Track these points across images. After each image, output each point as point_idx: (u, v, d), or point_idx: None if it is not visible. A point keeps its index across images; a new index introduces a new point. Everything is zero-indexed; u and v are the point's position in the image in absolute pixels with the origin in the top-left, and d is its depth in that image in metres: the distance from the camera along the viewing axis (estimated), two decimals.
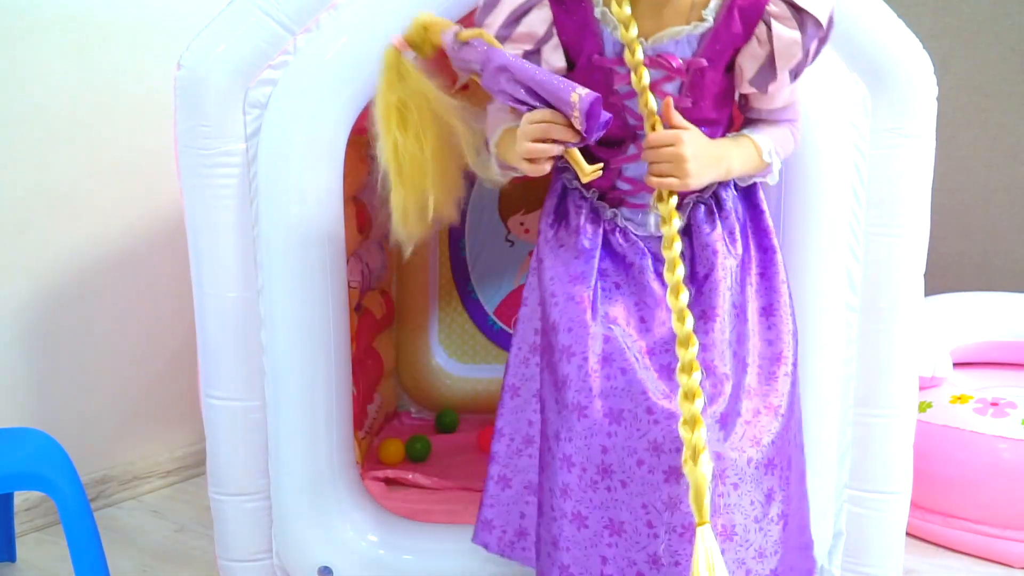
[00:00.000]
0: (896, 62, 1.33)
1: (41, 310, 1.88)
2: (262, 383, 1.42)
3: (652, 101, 1.06)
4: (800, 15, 1.05)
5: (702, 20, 1.07)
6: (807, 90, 1.24)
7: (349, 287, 1.67)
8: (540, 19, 1.09)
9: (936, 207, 1.40)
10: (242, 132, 1.36)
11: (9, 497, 1.69)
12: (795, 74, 1.11)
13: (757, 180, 1.20)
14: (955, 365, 1.99)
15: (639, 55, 1.05)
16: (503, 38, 1.09)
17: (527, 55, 1.10)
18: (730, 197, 1.20)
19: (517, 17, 1.09)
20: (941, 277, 1.59)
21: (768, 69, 1.08)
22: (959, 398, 1.79)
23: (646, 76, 1.05)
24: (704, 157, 1.08)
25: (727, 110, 1.18)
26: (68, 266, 1.91)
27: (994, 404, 1.76)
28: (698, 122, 1.11)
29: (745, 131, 1.18)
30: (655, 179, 1.08)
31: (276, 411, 1.42)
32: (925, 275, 1.40)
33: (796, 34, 1.05)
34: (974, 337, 2.04)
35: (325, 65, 1.34)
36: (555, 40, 1.09)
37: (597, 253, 1.17)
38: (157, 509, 2.02)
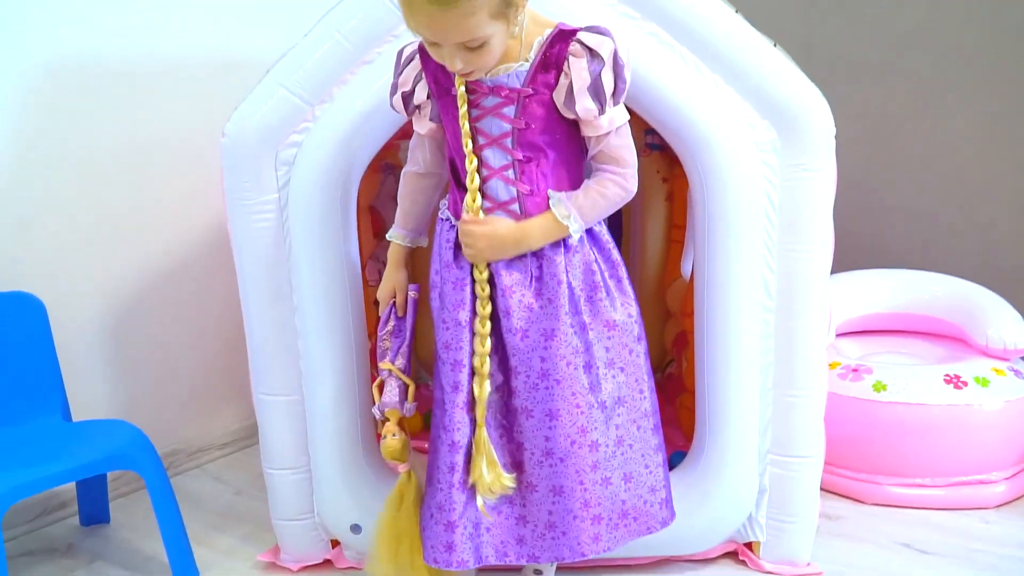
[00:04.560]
0: (798, 109, 1.59)
1: (113, 316, 2.17)
2: (300, 381, 1.75)
3: (470, 143, 1.39)
4: (591, 53, 1.34)
5: (527, 60, 1.37)
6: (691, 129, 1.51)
7: (368, 285, 1.96)
8: (414, 67, 1.44)
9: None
10: (275, 185, 1.67)
11: (103, 474, 2.04)
12: (596, 97, 1.34)
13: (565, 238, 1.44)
14: (848, 334, 2.32)
15: (464, 108, 1.38)
16: (397, 77, 1.46)
17: (410, 90, 1.45)
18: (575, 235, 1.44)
19: (402, 68, 1.45)
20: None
21: (571, 92, 1.35)
22: (831, 365, 2.10)
23: (468, 128, 1.39)
24: (498, 244, 1.41)
25: (558, 134, 1.40)
26: (131, 278, 2.20)
27: (855, 370, 2.07)
28: (531, 143, 1.39)
29: (552, 198, 1.42)
30: (464, 249, 1.43)
31: (312, 404, 1.74)
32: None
33: (584, 62, 1.34)
34: (861, 310, 2.35)
35: (337, 128, 1.64)
36: (423, 81, 1.44)
37: (468, 280, 1.46)
38: (218, 476, 2.34)
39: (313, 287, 1.69)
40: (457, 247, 1.47)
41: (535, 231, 1.42)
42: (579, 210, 1.42)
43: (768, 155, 1.62)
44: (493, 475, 1.45)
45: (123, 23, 2.09)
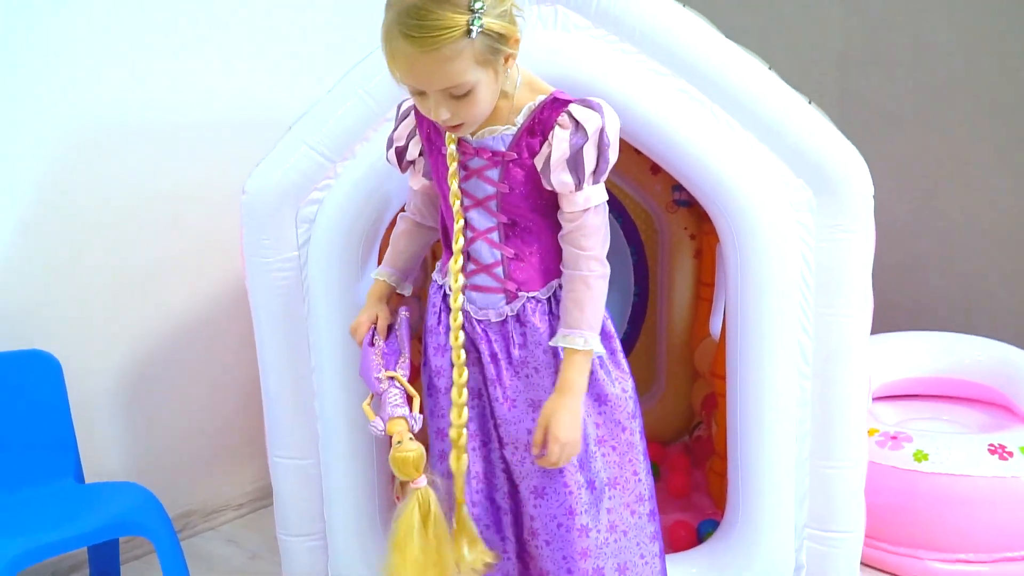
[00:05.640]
0: (835, 169, 1.55)
1: (130, 373, 2.15)
2: (317, 444, 1.70)
3: (458, 203, 1.35)
4: (576, 126, 1.27)
5: (513, 124, 1.31)
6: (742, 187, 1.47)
7: None
8: (408, 123, 1.42)
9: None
10: (295, 243, 1.64)
11: (115, 538, 1.99)
12: (574, 171, 1.27)
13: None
14: (885, 398, 2.24)
15: (453, 167, 1.34)
16: (393, 131, 1.44)
17: (404, 146, 1.43)
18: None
19: (399, 122, 1.43)
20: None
21: (548, 162, 1.28)
22: (869, 431, 2.00)
23: (457, 180, 1.34)
24: (571, 427, 1.31)
25: (542, 201, 1.33)
26: (149, 335, 2.18)
27: (893, 438, 1.98)
28: (515, 207, 1.33)
29: (559, 341, 1.33)
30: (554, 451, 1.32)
31: (328, 467, 1.70)
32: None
33: (568, 133, 1.27)
34: (899, 373, 2.27)
35: (357, 186, 1.61)
36: (417, 137, 1.41)
37: (449, 347, 1.38)
38: (232, 538, 2.29)
39: (332, 347, 1.65)
40: (443, 312, 1.42)
41: (575, 378, 1.32)
42: (588, 328, 1.33)
43: (803, 215, 1.57)
44: (475, 554, 1.36)
45: (147, 80, 2.10)
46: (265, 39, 2.28)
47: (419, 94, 1.24)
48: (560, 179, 1.28)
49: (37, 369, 1.81)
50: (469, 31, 1.15)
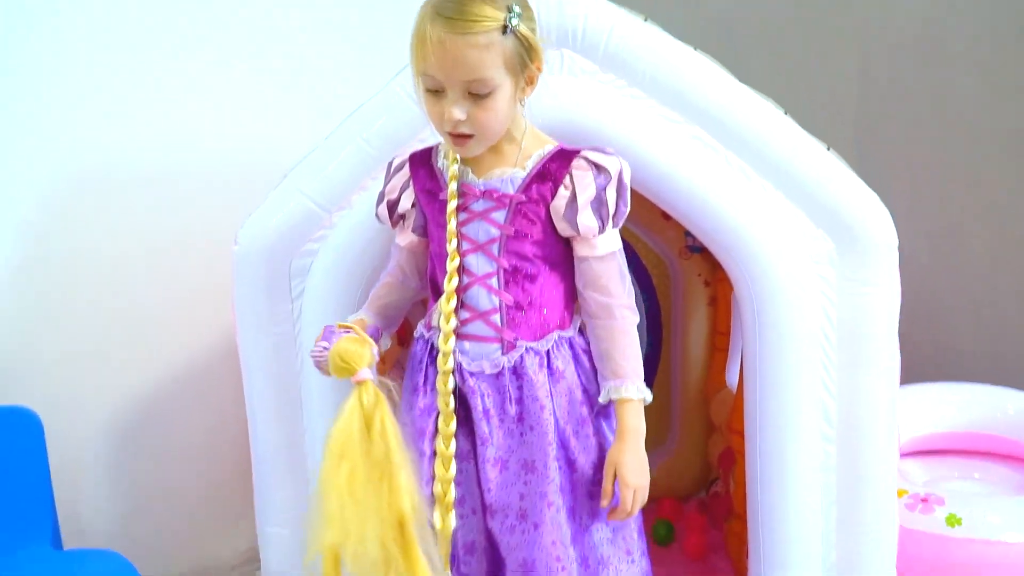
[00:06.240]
0: (857, 219, 1.47)
1: (115, 435, 2.08)
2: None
3: (455, 242, 1.30)
4: (597, 168, 1.28)
5: (523, 168, 1.30)
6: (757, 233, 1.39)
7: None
8: (402, 175, 1.38)
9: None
10: (288, 295, 1.58)
11: None
12: (598, 213, 1.27)
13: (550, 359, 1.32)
14: (911, 454, 2.12)
15: (452, 205, 1.30)
16: (384, 185, 1.40)
17: (396, 198, 1.38)
18: (560, 357, 1.32)
19: (391, 176, 1.40)
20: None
21: (572, 203, 1.27)
22: (898, 493, 1.88)
23: (454, 222, 1.30)
24: (640, 470, 1.29)
25: (548, 248, 1.31)
26: (135, 391, 2.10)
27: (924, 500, 1.86)
28: (519, 252, 1.29)
29: (607, 393, 1.31)
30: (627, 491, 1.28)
31: None
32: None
33: (590, 175, 1.27)
34: (926, 428, 2.16)
35: (353, 237, 1.54)
36: (411, 189, 1.38)
37: (436, 408, 1.30)
38: None
39: (325, 407, 1.57)
40: (429, 367, 1.34)
41: (635, 423, 1.31)
42: (636, 376, 1.31)
43: (824, 268, 1.49)
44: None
45: (136, 125, 2.05)
46: (260, 85, 2.24)
47: (434, 95, 1.23)
48: (585, 222, 1.27)
49: (16, 426, 1.73)
50: (505, 27, 1.18)
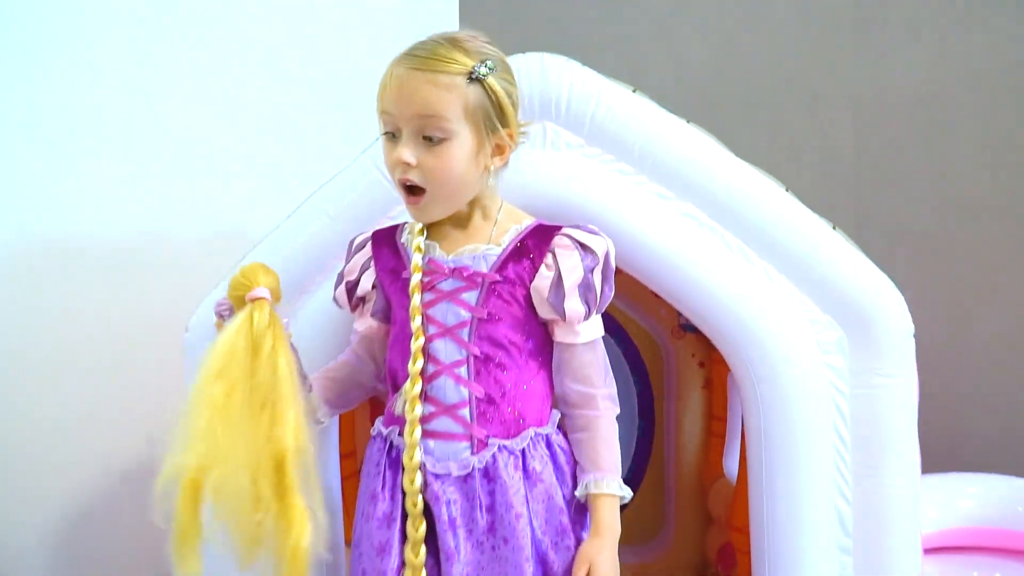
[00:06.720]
0: (868, 304, 1.37)
1: (60, 542, 1.94)
2: None
3: (419, 319, 1.18)
4: (583, 248, 1.19)
5: (498, 244, 1.21)
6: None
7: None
8: (363, 254, 1.28)
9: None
10: None
11: None
12: (584, 298, 1.17)
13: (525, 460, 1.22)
14: (925, 552, 1.94)
15: (415, 280, 1.19)
16: (344, 266, 1.30)
17: (356, 279, 1.28)
18: (537, 458, 1.20)
19: (352, 255, 1.30)
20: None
21: (558, 285, 1.18)
22: None
23: (417, 299, 1.18)
24: (615, 570, 1.17)
25: (525, 334, 1.20)
26: (87, 496, 1.97)
27: None
28: (492, 337, 1.18)
29: (585, 487, 1.20)
30: None
31: None
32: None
33: (576, 255, 1.18)
34: (940, 523, 1.98)
35: (316, 322, 1.42)
36: (371, 269, 1.27)
37: (398, 516, 1.18)
38: None
39: None
40: (388, 470, 1.20)
41: (611, 521, 1.19)
42: (615, 471, 1.21)
43: (834, 357, 1.38)
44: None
45: (93, 201, 1.98)
46: (221, 161, 2.16)
47: (391, 139, 1.17)
48: (572, 307, 1.18)
49: None
50: (471, 74, 1.13)
